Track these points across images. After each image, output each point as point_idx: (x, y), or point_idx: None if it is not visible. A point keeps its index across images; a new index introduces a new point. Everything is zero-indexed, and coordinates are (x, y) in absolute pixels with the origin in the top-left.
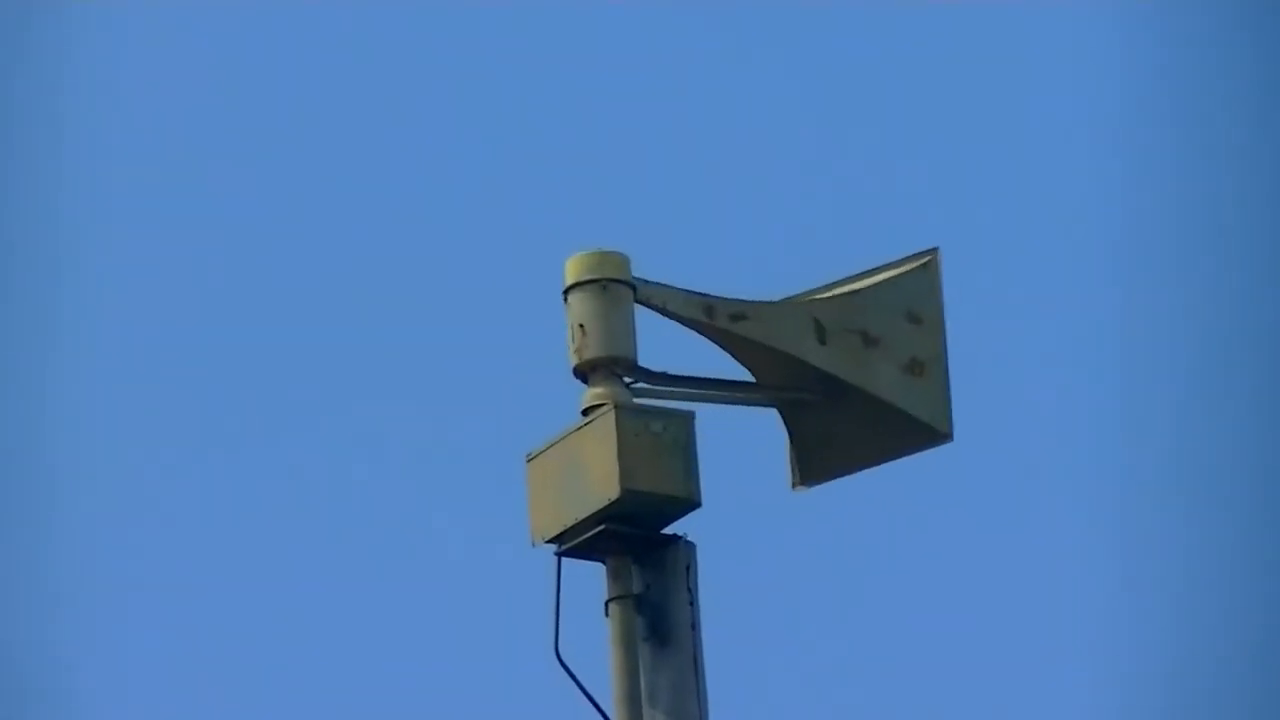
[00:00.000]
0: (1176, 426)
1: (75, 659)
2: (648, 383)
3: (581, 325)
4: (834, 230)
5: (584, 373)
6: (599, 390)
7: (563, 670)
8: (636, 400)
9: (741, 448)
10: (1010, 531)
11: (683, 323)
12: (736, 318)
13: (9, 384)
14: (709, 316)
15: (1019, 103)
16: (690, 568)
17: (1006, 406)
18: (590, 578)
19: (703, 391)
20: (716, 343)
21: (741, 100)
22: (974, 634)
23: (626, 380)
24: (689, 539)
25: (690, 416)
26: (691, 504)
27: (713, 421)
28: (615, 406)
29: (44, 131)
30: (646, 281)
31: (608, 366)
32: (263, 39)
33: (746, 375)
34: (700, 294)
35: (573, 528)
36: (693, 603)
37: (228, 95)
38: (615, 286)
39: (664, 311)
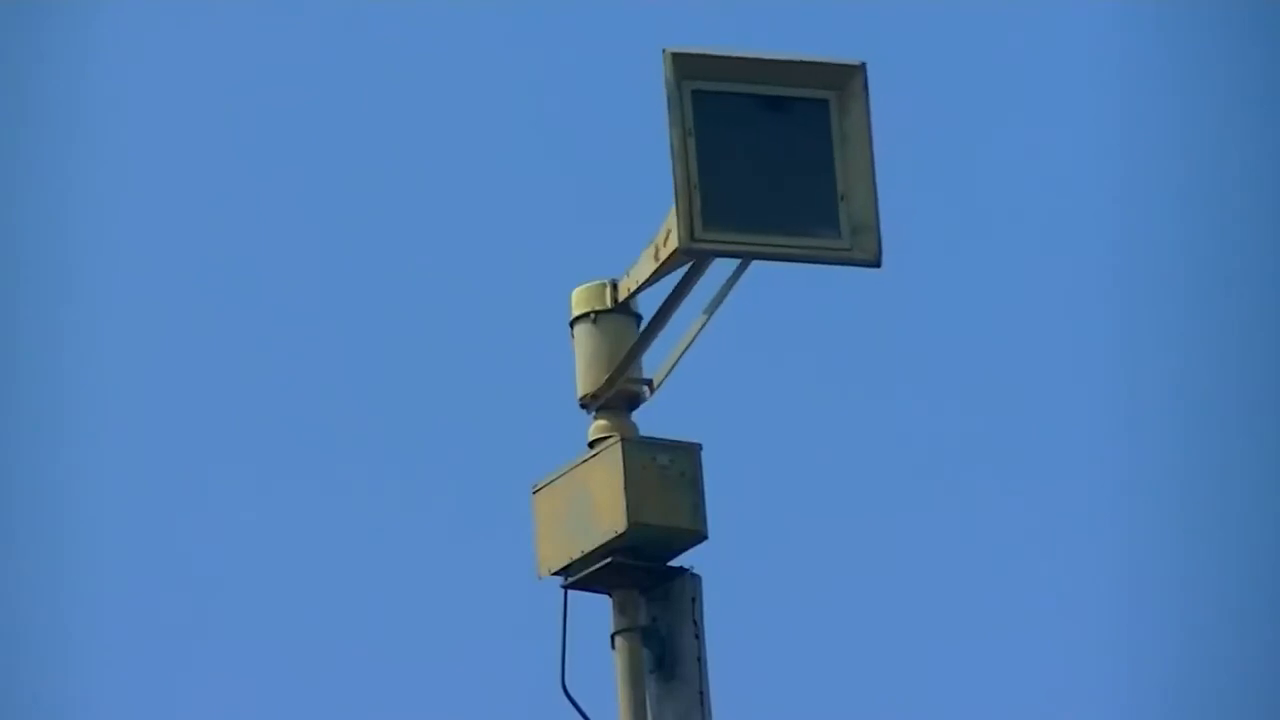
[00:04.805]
0: (1176, 422)
1: (82, 662)
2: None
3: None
4: None
5: (589, 405)
6: (604, 422)
7: (569, 703)
8: (643, 435)
9: (749, 479)
10: (1014, 539)
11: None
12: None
13: (17, 386)
14: (656, 257)
15: (1016, 101)
16: (696, 600)
17: (1006, 404)
18: (596, 610)
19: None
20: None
21: None
22: (984, 659)
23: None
24: (695, 571)
25: (697, 449)
26: (698, 536)
27: (721, 451)
28: (622, 439)
29: (55, 135)
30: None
31: (610, 398)
32: (270, 60)
33: None
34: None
35: (579, 560)
36: (699, 635)
37: (234, 118)
38: (607, 317)
39: (648, 282)
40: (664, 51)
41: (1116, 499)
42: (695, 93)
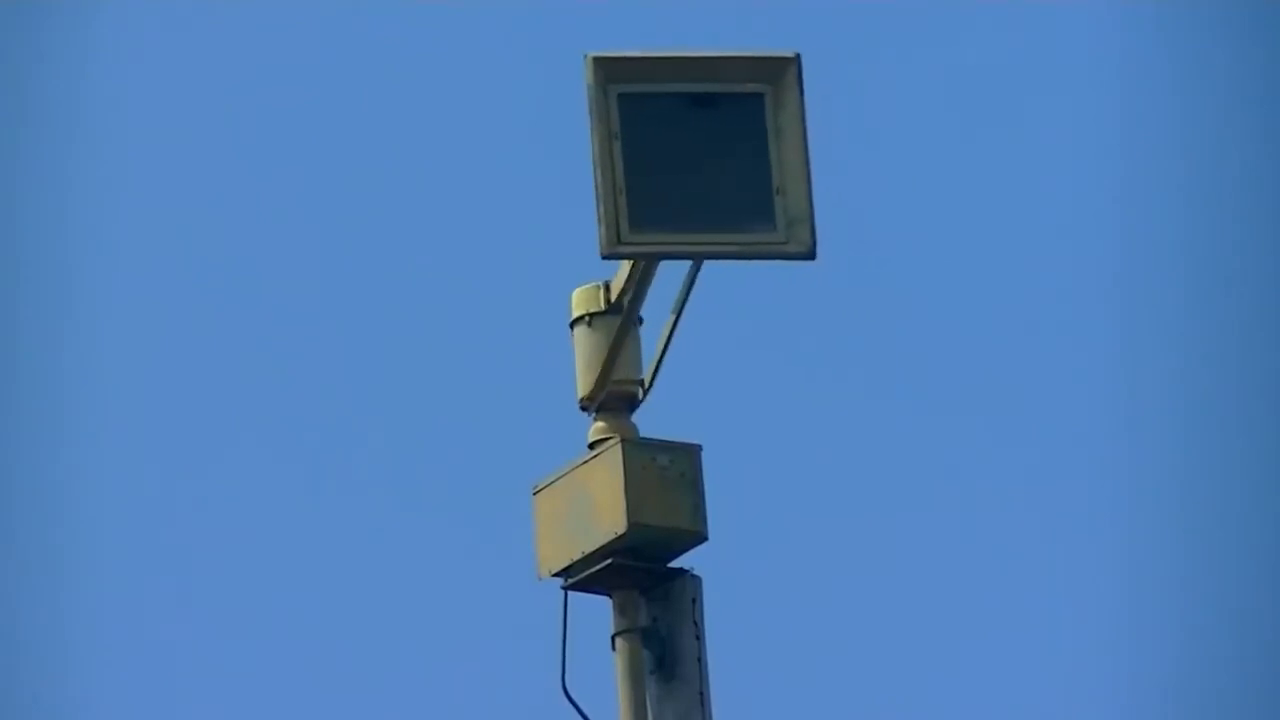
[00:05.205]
0: (1176, 422)
1: (83, 660)
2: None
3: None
4: (834, 227)
5: (588, 407)
6: (604, 424)
7: (569, 705)
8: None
9: (749, 479)
10: (1014, 540)
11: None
12: None
13: (17, 386)
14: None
15: (1017, 100)
16: (697, 601)
17: (1006, 404)
18: (597, 611)
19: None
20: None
21: None
22: (985, 659)
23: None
24: (695, 572)
25: (697, 450)
26: (699, 538)
27: (721, 451)
28: (622, 440)
29: (55, 135)
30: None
31: (610, 399)
32: (270, 60)
33: None
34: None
35: (579, 561)
36: (699, 636)
37: (234, 118)
38: (601, 318)
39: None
40: (585, 56)
41: (1117, 499)
42: (621, 95)
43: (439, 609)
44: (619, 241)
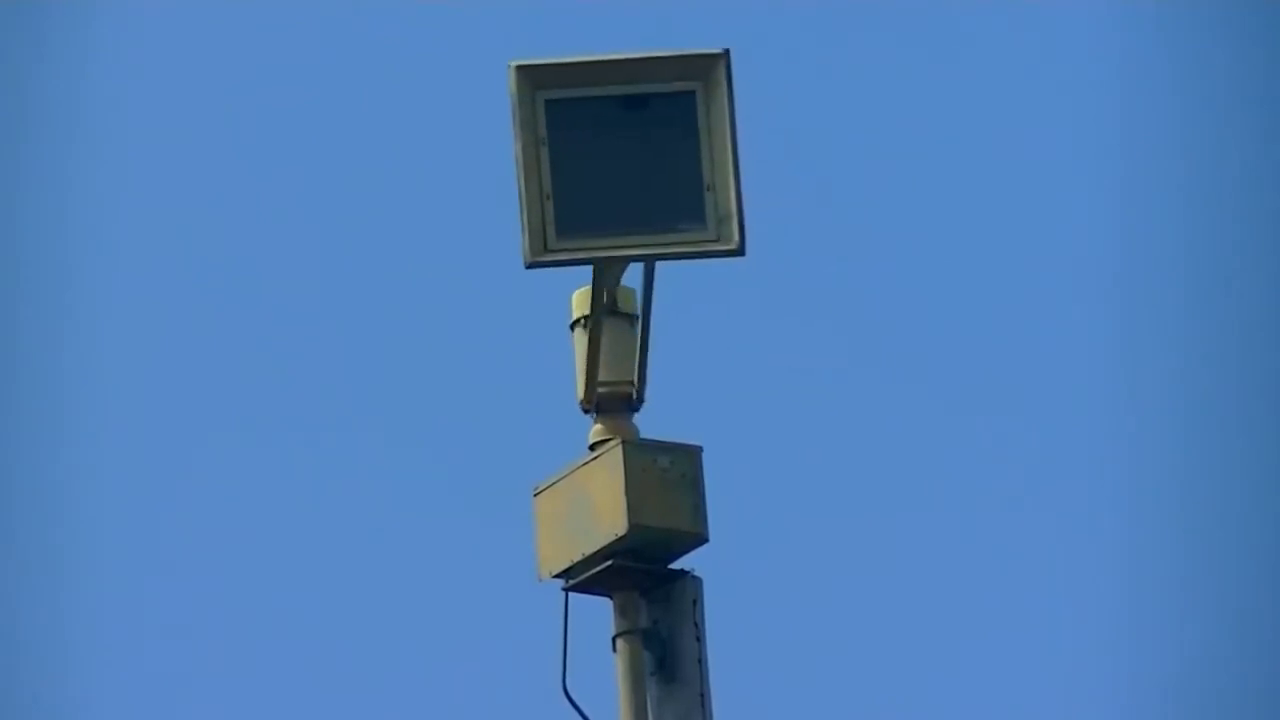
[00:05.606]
0: (1176, 422)
1: (83, 660)
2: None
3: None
4: (832, 221)
5: (589, 409)
6: (604, 425)
7: (570, 706)
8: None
9: (749, 481)
10: (1014, 539)
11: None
12: None
13: (17, 386)
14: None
15: (1016, 100)
16: (697, 602)
17: (1006, 404)
18: (597, 613)
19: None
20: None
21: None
22: (985, 659)
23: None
24: (696, 573)
25: (698, 451)
26: (699, 539)
27: (722, 453)
28: (622, 442)
29: (55, 135)
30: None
31: (609, 401)
32: (270, 60)
33: None
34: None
35: (580, 563)
36: (700, 637)
37: (234, 118)
38: (598, 320)
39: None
40: (509, 65)
41: (1117, 499)
42: (550, 102)
43: (439, 609)
44: (545, 249)
